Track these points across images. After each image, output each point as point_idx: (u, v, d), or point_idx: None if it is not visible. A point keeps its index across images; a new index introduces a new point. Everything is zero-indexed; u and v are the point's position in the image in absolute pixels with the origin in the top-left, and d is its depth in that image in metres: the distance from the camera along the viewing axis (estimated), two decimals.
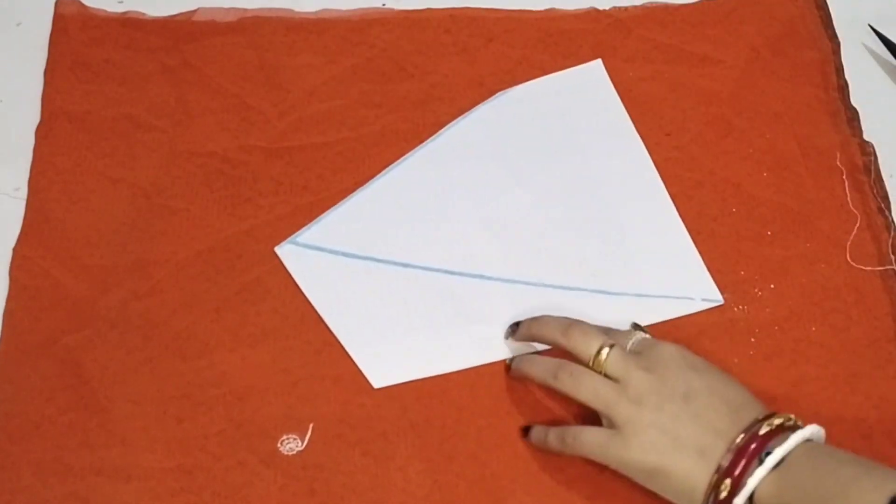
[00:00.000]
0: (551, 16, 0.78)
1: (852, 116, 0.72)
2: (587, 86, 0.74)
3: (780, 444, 0.50)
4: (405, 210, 0.68)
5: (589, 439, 0.55)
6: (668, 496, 0.53)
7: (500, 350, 0.62)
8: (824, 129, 0.72)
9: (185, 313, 0.63)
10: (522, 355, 0.61)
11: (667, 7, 0.78)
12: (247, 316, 0.63)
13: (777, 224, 0.67)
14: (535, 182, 0.70)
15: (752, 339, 0.63)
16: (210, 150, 0.70)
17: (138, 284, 0.64)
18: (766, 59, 0.75)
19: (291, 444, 0.59)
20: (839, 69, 0.74)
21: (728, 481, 0.50)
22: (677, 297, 0.64)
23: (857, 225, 0.66)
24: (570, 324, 0.58)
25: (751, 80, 0.74)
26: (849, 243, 0.66)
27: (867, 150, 0.70)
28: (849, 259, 0.65)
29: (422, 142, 0.71)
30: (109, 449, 0.58)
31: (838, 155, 0.70)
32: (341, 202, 0.68)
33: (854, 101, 0.72)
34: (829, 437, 0.57)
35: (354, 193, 0.69)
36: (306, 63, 0.75)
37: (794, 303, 0.64)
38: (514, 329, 0.62)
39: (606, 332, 0.58)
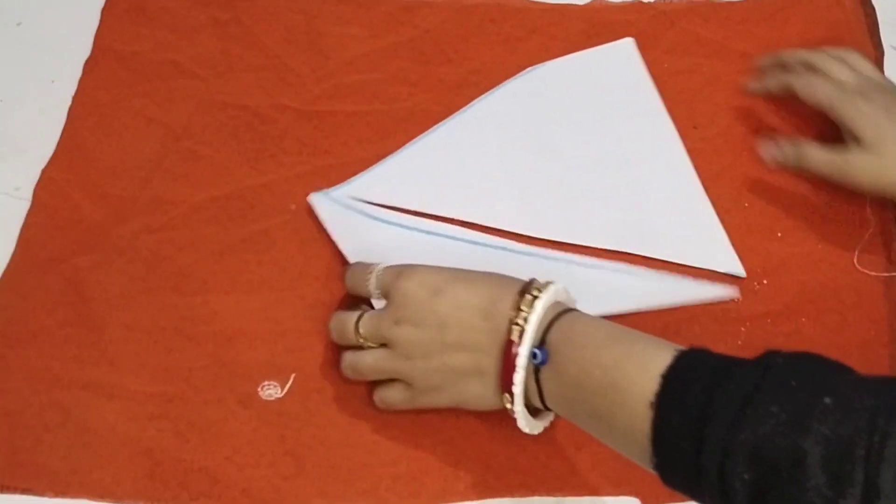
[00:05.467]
0: (596, 7, 0.79)
1: None
2: (618, 62, 0.75)
3: (527, 342, 0.50)
4: (434, 176, 0.69)
5: (395, 399, 0.57)
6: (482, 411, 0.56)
7: None
8: None
9: (191, 252, 0.66)
10: None
11: (712, 3, 0.78)
12: (248, 263, 0.65)
13: (789, 222, 0.67)
14: (562, 152, 0.70)
15: (742, 329, 0.62)
16: (244, 104, 0.73)
17: (152, 219, 0.67)
18: None
19: (271, 391, 0.61)
20: None
21: (507, 395, 0.52)
22: (696, 266, 0.64)
23: (871, 231, 0.66)
24: (333, 317, 0.59)
25: None
26: (858, 248, 0.65)
27: None
28: (855, 262, 0.65)
29: None
30: (98, 367, 0.61)
31: None
32: (375, 165, 0.70)
33: None
34: None
35: (387, 158, 0.70)
36: (351, 34, 0.77)
37: (791, 299, 0.63)
38: None
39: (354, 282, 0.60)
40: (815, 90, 0.66)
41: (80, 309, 0.63)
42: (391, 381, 0.58)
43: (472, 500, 0.57)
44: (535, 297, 0.51)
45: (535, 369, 0.51)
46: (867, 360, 0.61)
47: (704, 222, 0.66)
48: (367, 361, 0.57)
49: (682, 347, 0.47)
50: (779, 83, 0.69)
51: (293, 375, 0.61)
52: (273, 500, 0.57)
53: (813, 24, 0.76)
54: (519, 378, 0.51)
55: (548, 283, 0.53)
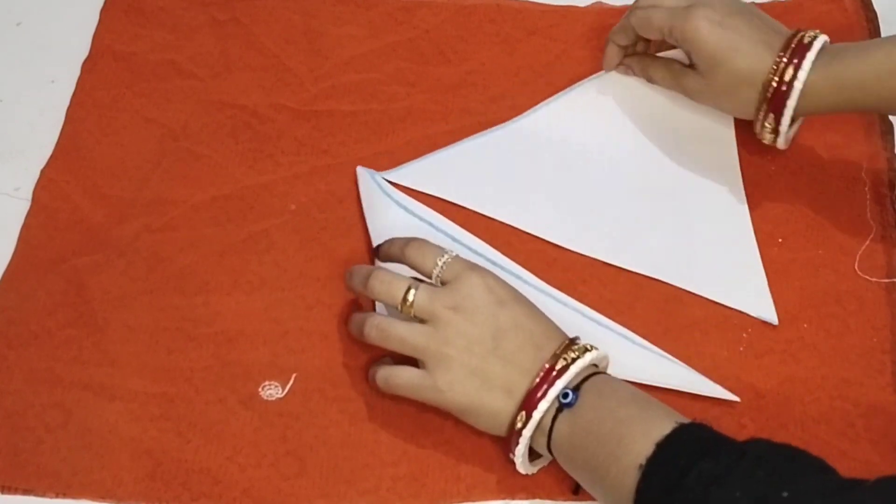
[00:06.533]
0: (597, 10, 0.79)
1: (886, 130, 0.71)
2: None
3: (566, 378, 0.53)
4: (482, 175, 0.69)
5: (403, 381, 0.56)
6: (479, 428, 0.56)
7: None
8: (856, 139, 0.71)
9: (191, 252, 0.66)
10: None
11: None
12: (248, 264, 0.65)
13: (789, 227, 0.67)
14: (617, 170, 0.70)
15: (744, 335, 0.62)
16: (242, 104, 0.73)
17: (152, 219, 0.67)
18: None
19: (272, 391, 0.61)
20: None
21: (523, 413, 0.53)
22: (730, 307, 0.63)
23: (871, 236, 0.66)
24: (371, 273, 0.57)
25: None
26: (859, 253, 0.65)
27: (894, 166, 0.69)
28: (856, 268, 0.65)
29: (447, 124, 0.73)
30: (99, 367, 0.61)
31: (864, 166, 0.69)
32: (426, 155, 0.70)
33: None
34: (813, 437, 0.58)
35: (439, 150, 0.70)
36: (349, 34, 0.77)
37: (792, 305, 0.64)
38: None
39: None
40: (650, 21, 0.66)
41: (81, 310, 0.63)
42: (402, 365, 0.57)
43: (472, 501, 0.57)
44: (587, 350, 0.54)
45: (557, 409, 0.53)
46: (870, 367, 0.61)
47: (747, 262, 0.65)
48: (401, 328, 0.56)
49: (686, 421, 0.50)
50: (625, 36, 0.70)
51: (294, 375, 0.61)
52: (274, 500, 0.57)
53: (815, 28, 0.76)
54: (543, 406, 0.52)
55: (595, 347, 0.55)
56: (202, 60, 0.75)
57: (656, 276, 0.65)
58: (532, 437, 0.54)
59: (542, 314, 0.57)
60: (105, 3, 0.77)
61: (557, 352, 0.54)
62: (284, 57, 0.76)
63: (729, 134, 0.71)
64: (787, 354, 0.62)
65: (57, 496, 0.57)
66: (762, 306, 0.63)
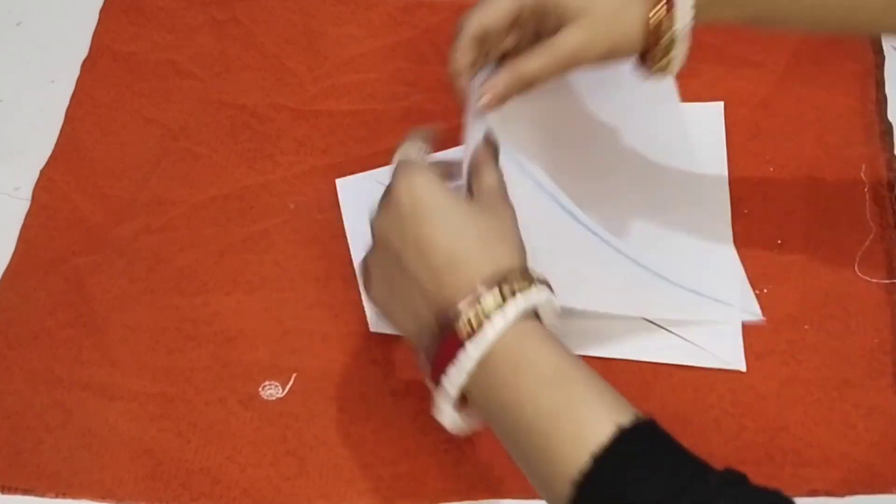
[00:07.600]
0: None
1: (885, 131, 0.71)
2: (701, 125, 0.71)
3: (482, 348, 0.44)
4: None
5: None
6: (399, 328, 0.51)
7: None
8: (855, 140, 0.70)
9: (191, 252, 0.66)
10: None
11: None
12: (248, 264, 0.66)
13: (788, 229, 0.67)
14: (609, 166, 0.68)
15: (745, 336, 0.62)
16: (241, 104, 0.73)
17: (152, 219, 0.67)
18: (806, 67, 0.74)
19: (272, 391, 0.61)
20: (880, 83, 0.73)
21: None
22: (715, 299, 0.62)
23: (871, 237, 0.66)
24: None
25: (787, 86, 0.73)
26: (859, 254, 0.65)
27: (894, 167, 0.69)
28: (856, 269, 0.65)
29: (447, 124, 0.72)
30: (100, 367, 0.61)
31: (864, 167, 0.69)
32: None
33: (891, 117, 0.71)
34: (814, 439, 0.58)
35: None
36: (349, 34, 0.77)
37: (793, 306, 0.63)
38: None
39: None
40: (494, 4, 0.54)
41: (81, 310, 0.63)
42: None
43: (473, 500, 0.57)
44: (513, 294, 0.45)
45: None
46: (871, 368, 0.61)
47: (726, 265, 0.64)
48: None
49: (625, 421, 0.41)
50: (470, 50, 0.57)
51: (294, 375, 0.61)
52: (274, 500, 0.57)
53: None
54: (455, 381, 0.45)
55: (534, 285, 0.46)
56: (202, 60, 0.75)
57: (637, 260, 0.62)
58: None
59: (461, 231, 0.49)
60: (105, 2, 0.78)
61: (476, 290, 0.45)
62: (284, 57, 0.76)
63: (723, 165, 0.70)
64: (787, 356, 0.62)
65: (57, 496, 0.57)
66: (746, 304, 0.62)
